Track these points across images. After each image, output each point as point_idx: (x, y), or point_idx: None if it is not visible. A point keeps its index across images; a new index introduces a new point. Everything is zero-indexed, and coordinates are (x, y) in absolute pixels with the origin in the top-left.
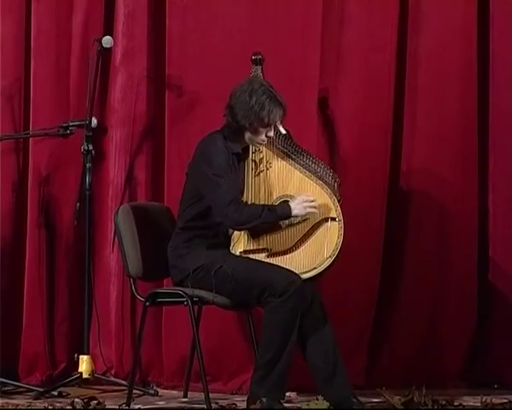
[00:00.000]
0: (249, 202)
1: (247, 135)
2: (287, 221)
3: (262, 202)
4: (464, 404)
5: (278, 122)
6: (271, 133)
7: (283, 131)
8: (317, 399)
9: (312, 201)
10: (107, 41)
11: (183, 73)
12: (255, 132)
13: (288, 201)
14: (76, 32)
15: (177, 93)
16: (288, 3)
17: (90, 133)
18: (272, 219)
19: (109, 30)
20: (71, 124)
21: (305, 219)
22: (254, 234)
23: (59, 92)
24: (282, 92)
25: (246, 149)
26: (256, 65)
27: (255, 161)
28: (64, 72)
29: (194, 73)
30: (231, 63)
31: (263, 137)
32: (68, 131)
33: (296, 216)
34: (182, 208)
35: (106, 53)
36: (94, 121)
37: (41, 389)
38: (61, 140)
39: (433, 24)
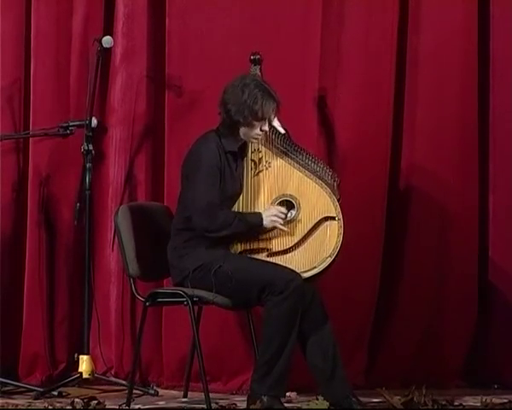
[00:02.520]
0: (249, 202)
1: (242, 130)
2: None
3: (261, 202)
4: (464, 404)
5: (272, 116)
6: (266, 127)
7: (282, 131)
8: (317, 399)
9: (283, 217)
10: (107, 41)
11: (182, 72)
12: (250, 127)
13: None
14: (76, 32)
15: (177, 93)
16: (288, 3)
17: (90, 133)
18: (243, 228)
19: (109, 30)
20: (71, 124)
21: (304, 217)
22: (253, 234)
23: (59, 92)
24: (282, 92)
25: (243, 147)
26: (255, 65)
27: (254, 161)
28: (64, 72)
29: (194, 73)
30: (231, 63)
31: (258, 131)
32: (68, 131)
33: (266, 227)
34: (179, 208)
35: (106, 53)
36: (94, 121)
37: (41, 389)
38: (61, 140)
39: (433, 24)
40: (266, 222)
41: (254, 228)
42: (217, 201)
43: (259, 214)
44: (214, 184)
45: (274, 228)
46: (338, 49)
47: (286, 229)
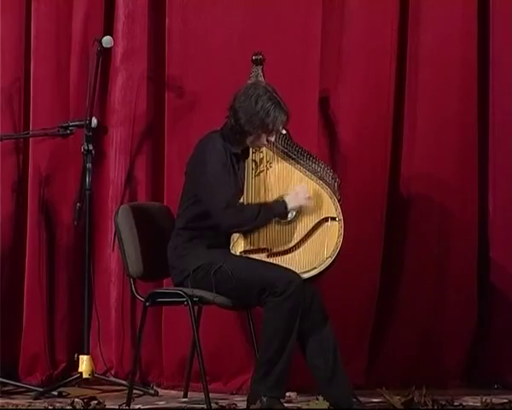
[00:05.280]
0: (250, 203)
1: (249, 139)
2: (289, 217)
3: (262, 202)
4: (464, 404)
5: (281, 128)
6: (273, 139)
7: (283, 131)
8: (317, 399)
9: (306, 193)
10: (107, 41)
11: (183, 73)
12: (257, 137)
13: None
14: (76, 32)
15: (177, 93)
16: (289, 4)
17: (90, 133)
18: (269, 218)
19: (109, 30)
20: (71, 124)
21: (304, 218)
22: (254, 234)
23: (59, 92)
24: (283, 93)
25: (245, 149)
26: (256, 65)
27: (255, 161)
28: (64, 72)
29: (194, 73)
30: (231, 63)
31: (264, 141)
32: (68, 131)
33: (292, 209)
34: (181, 209)
35: (106, 53)
36: (94, 121)
37: (41, 389)
38: (61, 140)
39: (433, 24)
40: (292, 205)
41: (280, 215)
42: (235, 197)
43: (282, 201)
44: (229, 181)
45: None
46: (339, 50)
47: (290, 215)
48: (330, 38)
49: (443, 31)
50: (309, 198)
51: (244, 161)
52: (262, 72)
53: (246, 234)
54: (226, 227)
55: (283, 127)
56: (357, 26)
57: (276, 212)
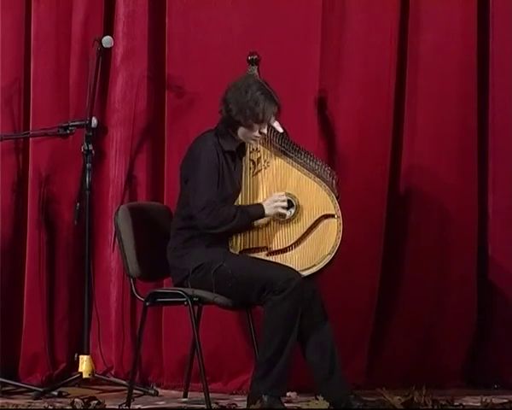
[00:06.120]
0: (248, 202)
1: (241, 131)
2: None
3: (260, 202)
4: (464, 404)
5: (273, 119)
6: (265, 130)
7: (280, 130)
8: (317, 399)
9: (284, 200)
10: (107, 41)
11: (183, 72)
12: (249, 128)
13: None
14: (76, 32)
15: (177, 93)
16: (288, 3)
17: (90, 133)
18: (245, 220)
19: (109, 30)
20: (71, 124)
21: (303, 215)
22: (254, 233)
23: (59, 92)
24: (282, 92)
25: (241, 147)
26: (252, 65)
27: (253, 161)
28: (64, 72)
29: (194, 72)
30: (231, 63)
31: (256, 133)
32: (68, 131)
33: (268, 216)
34: (179, 208)
35: (106, 53)
36: (94, 121)
37: (41, 389)
38: (61, 140)
39: (434, 24)
40: (268, 211)
41: (257, 219)
42: (216, 198)
43: (261, 205)
44: (213, 183)
45: (277, 215)
46: (338, 50)
47: (289, 213)
48: (330, 37)
49: (443, 30)
50: (284, 223)
51: (241, 160)
52: (258, 71)
53: (246, 232)
54: (202, 228)
55: (276, 119)
56: (357, 26)
57: (253, 215)
